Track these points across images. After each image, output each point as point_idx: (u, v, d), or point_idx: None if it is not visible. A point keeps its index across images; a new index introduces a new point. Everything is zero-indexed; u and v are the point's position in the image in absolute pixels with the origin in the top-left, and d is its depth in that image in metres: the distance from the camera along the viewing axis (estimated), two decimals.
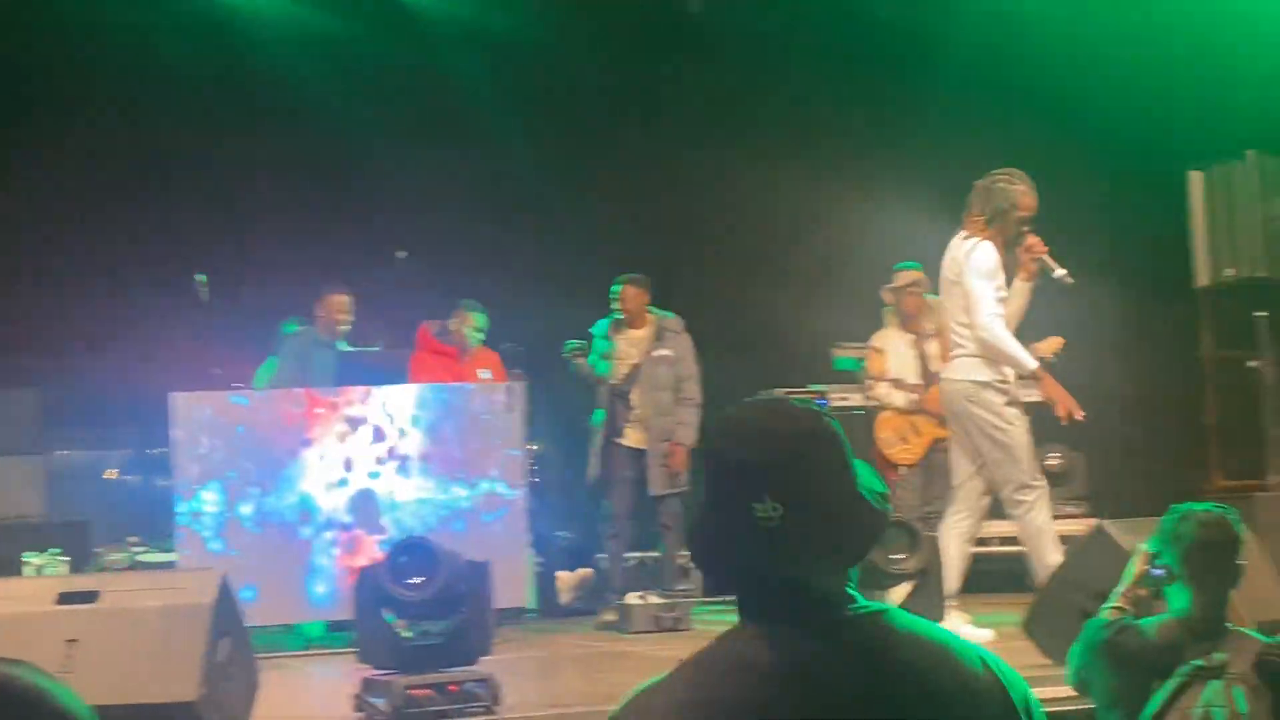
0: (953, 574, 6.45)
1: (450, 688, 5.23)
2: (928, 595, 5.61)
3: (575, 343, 8.93)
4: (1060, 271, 6.56)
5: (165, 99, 10.33)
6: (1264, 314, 8.70)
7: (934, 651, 1.85)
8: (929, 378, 8.69)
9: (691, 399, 8.88)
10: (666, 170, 11.15)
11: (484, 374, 8.60)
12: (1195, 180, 8.85)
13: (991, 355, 6.50)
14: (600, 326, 9.02)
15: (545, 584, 9.26)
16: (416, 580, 5.38)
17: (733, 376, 9.45)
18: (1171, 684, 3.76)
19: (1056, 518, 9.61)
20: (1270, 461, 8.83)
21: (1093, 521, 7.20)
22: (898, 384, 8.85)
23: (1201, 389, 11.14)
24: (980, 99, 11.06)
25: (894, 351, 8.91)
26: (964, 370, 6.59)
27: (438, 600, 5.37)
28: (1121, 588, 4.15)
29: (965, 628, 6.23)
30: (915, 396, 8.80)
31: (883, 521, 1.91)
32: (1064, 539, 6.90)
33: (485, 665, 5.47)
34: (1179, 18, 10.57)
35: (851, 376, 9.67)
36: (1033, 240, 6.60)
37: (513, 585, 7.72)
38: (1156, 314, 11.36)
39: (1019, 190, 6.58)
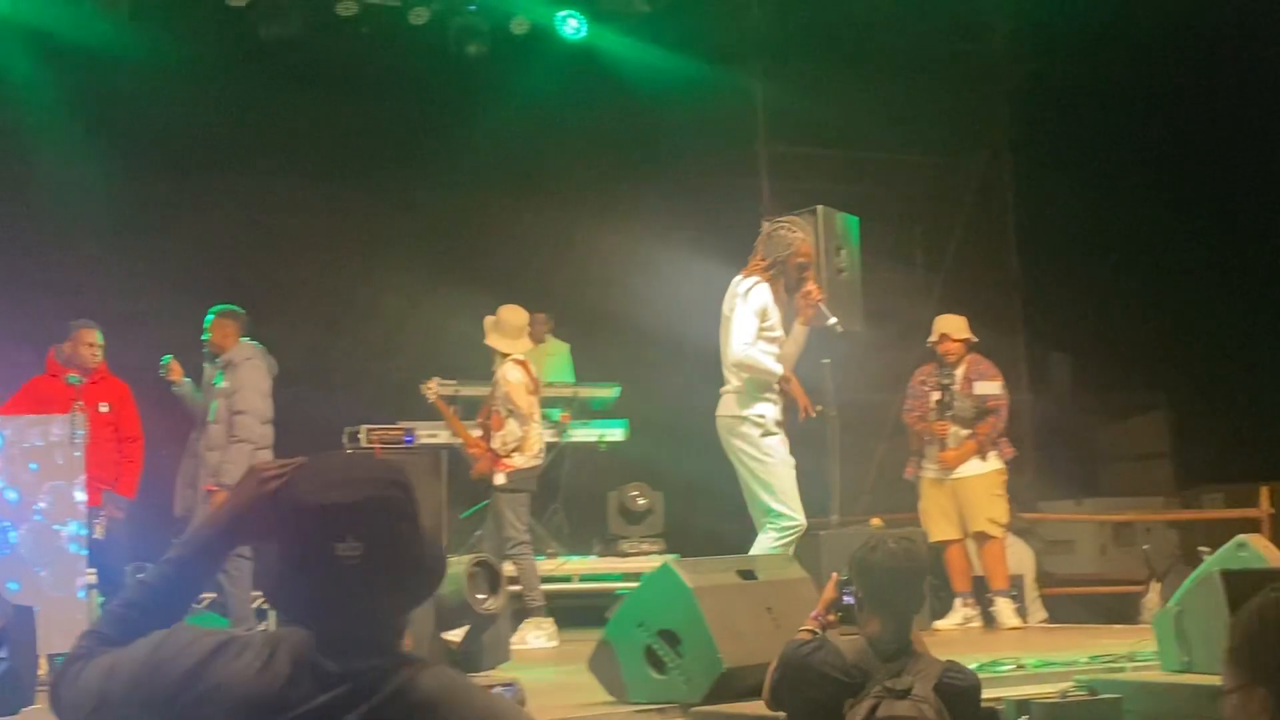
0: None
1: None
2: (496, 635, 5.60)
3: (168, 357, 8.57)
4: (832, 320, 7.04)
5: None
6: (828, 360, 9.15)
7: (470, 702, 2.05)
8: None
9: (238, 437, 8.29)
10: (259, 201, 10.89)
11: (103, 407, 8.15)
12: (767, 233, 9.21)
13: (749, 374, 6.86)
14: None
15: None
16: None
17: (323, 413, 9.30)
18: (864, 704, 3.97)
19: (635, 554, 9.94)
20: (833, 500, 9.27)
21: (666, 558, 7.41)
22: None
23: None
24: (546, 144, 11.32)
25: None
26: (726, 406, 6.97)
27: None
28: (814, 611, 4.42)
29: None
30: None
31: (444, 569, 2.13)
32: (641, 576, 7.06)
33: (28, 716, 5.15)
34: None
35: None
36: (811, 287, 7.05)
37: (71, 629, 7.28)
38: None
39: (798, 238, 7.05)
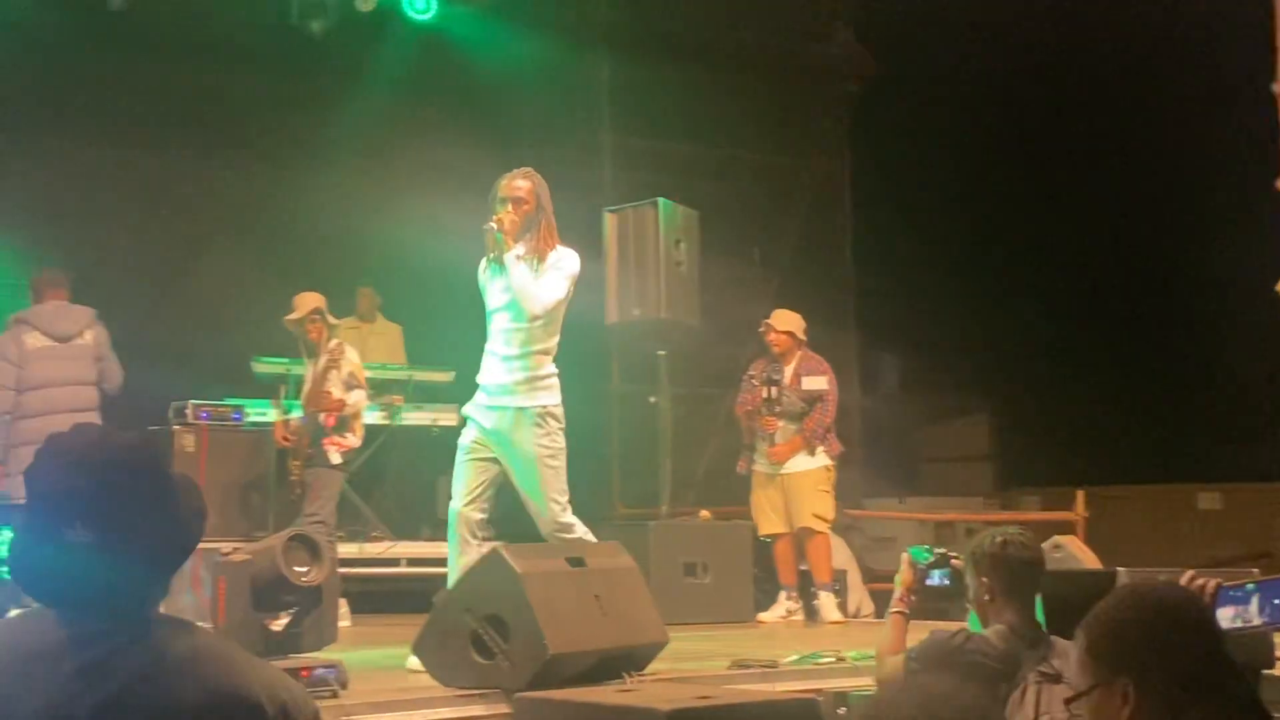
0: None
1: None
2: (320, 616, 5.53)
3: None
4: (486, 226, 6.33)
5: None
6: (664, 353, 9.23)
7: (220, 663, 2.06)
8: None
9: None
10: (88, 168, 10.59)
11: None
12: (610, 222, 9.26)
13: None
14: None
15: None
16: None
17: (148, 387, 9.09)
18: (1023, 691, 4.11)
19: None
20: (663, 491, 9.35)
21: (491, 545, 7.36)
22: None
23: (608, 421, 11.73)
24: (386, 124, 11.22)
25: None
26: None
27: None
28: (898, 592, 4.63)
29: None
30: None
31: (194, 540, 2.11)
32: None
33: None
34: None
35: (274, 389, 9.48)
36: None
37: None
38: (569, 347, 11.86)
39: (502, 181, 6.45)
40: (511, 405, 6.37)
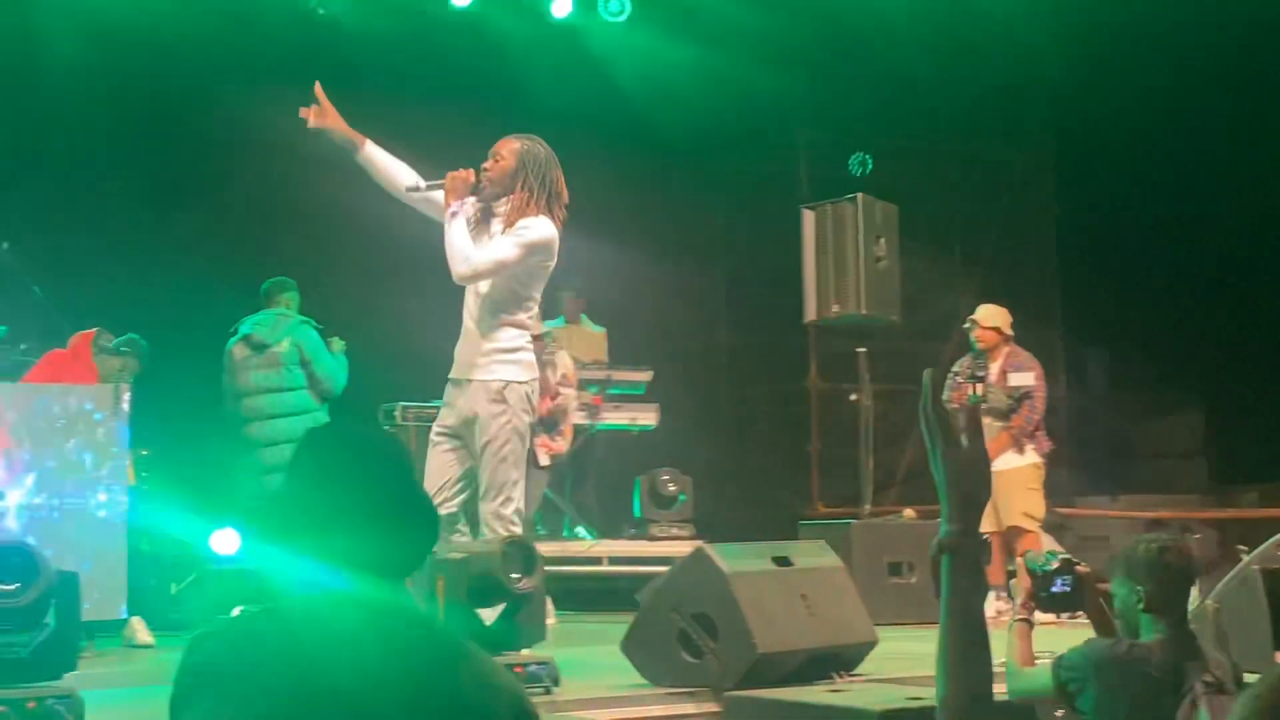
0: None
1: (29, 704, 4.93)
2: (530, 614, 5.62)
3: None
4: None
5: None
6: (864, 349, 9.16)
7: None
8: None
9: None
10: (302, 167, 10.90)
11: None
12: (808, 218, 9.22)
13: None
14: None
15: (152, 594, 8.85)
16: (10, 587, 5.07)
17: (364, 388, 9.34)
18: (1200, 702, 3.95)
19: (665, 539, 9.95)
20: (865, 490, 9.27)
21: (696, 543, 7.42)
22: None
23: (807, 419, 11.69)
24: (582, 128, 11.32)
25: None
26: None
27: (24, 611, 5.06)
28: (1020, 598, 4.55)
29: None
30: None
31: (435, 536, 2.24)
32: (670, 560, 7.08)
33: (70, 681, 5.18)
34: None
35: None
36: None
37: (109, 596, 7.35)
38: (767, 345, 11.85)
39: None
40: (468, 378, 6.02)
